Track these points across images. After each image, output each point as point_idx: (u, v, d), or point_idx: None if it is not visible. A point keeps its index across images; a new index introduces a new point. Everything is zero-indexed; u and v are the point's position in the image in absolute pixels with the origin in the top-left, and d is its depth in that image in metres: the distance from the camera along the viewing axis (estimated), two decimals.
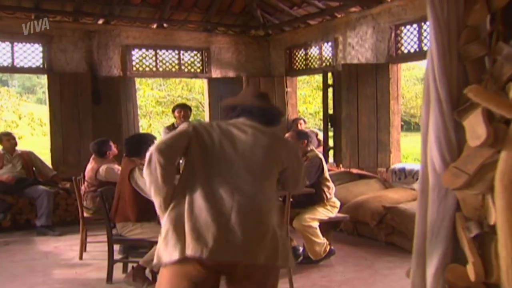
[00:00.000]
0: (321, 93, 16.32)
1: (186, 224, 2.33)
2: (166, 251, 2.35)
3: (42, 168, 7.20)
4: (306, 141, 5.26)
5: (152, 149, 2.49)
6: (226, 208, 2.34)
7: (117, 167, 5.52)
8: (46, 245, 6.19)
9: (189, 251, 2.25)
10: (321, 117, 16.44)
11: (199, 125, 2.56)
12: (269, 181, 2.51)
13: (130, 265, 4.81)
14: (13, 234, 6.68)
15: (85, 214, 5.64)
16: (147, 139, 4.77)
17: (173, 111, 7.12)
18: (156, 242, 4.35)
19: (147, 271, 4.49)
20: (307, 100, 15.24)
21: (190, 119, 7.35)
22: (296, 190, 3.50)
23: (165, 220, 2.46)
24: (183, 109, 6.97)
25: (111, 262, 4.70)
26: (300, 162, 2.74)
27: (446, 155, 1.82)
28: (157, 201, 2.53)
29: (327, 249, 5.16)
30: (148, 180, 2.49)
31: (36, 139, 14.42)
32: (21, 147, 7.44)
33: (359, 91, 6.87)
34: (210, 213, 2.31)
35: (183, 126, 2.56)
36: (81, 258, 5.55)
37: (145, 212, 4.56)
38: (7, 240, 6.43)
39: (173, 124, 7.04)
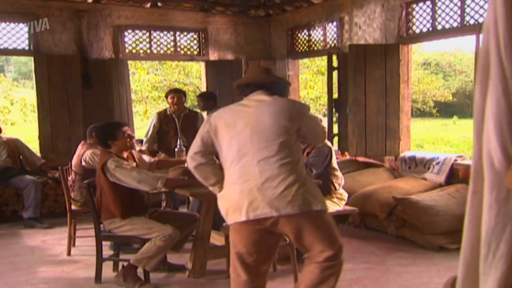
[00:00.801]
0: (322, 78, 16.27)
1: (229, 197, 2.89)
2: (224, 215, 2.95)
3: (29, 156, 6.81)
4: None
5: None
6: (253, 176, 2.80)
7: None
8: (33, 239, 5.87)
9: (237, 218, 2.84)
10: (323, 102, 16.40)
11: (214, 117, 3.02)
12: (284, 142, 2.84)
13: (121, 264, 4.41)
14: None
15: (73, 207, 5.28)
16: (104, 131, 4.36)
17: (166, 97, 6.62)
18: (148, 240, 4.03)
19: (139, 270, 4.15)
20: (308, 84, 14.89)
21: (187, 105, 6.90)
22: (318, 142, 3.78)
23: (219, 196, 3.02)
24: (176, 95, 6.47)
25: (100, 260, 4.36)
26: (310, 118, 3.11)
27: (510, 148, 1.41)
28: (209, 187, 3.13)
29: None
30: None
31: (29, 126, 14.10)
32: (13, 133, 7.05)
33: (367, 74, 6.44)
34: (242, 185, 2.82)
35: (202, 128, 3.04)
36: (69, 254, 5.21)
37: (130, 207, 4.21)
38: None
39: (165, 110, 6.55)
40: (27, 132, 12.70)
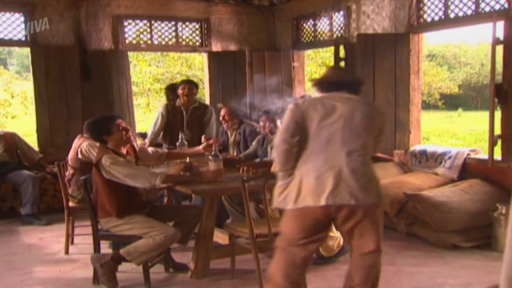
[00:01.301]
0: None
1: (306, 182, 3.05)
2: (291, 199, 3.10)
3: (27, 151, 6.62)
4: None
5: (276, 140, 3.25)
6: (339, 165, 3.02)
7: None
8: (31, 236, 5.70)
9: (312, 202, 3.03)
10: None
11: (302, 105, 3.15)
12: (367, 139, 3.13)
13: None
14: None
15: (70, 203, 5.10)
16: (98, 125, 4.16)
17: (177, 87, 6.38)
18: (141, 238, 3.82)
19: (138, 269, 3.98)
20: (312, 77, 14.64)
21: (196, 97, 6.65)
22: (377, 151, 3.65)
23: (290, 179, 3.13)
24: (187, 86, 6.22)
25: None
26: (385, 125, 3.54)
27: None
28: (280, 172, 3.19)
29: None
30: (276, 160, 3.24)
31: (30, 119, 13.89)
32: (14, 126, 6.88)
33: (376, 64, 6.20)
34: (326, 171, 3.02)
35: (291, 114, 3.14)
36: (67, 252, 5.06)
37: (127, 205, 4.01)
38: None
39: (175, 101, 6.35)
40: (28, 125, 12.51)
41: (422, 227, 5.21)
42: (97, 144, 4.83)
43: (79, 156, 4.96)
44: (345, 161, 3.03)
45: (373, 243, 3.13)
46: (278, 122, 5.32)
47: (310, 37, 7.98)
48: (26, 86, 15.83)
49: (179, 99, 6.23)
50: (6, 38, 6.86)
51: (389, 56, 6.14)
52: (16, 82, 15.33)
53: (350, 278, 3.26)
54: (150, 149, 4.69)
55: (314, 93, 3.47)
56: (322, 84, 3.31)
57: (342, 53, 6.91)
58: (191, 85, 6.29)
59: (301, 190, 3.07)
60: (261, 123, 5.26)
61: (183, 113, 6.19)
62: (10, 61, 31.34)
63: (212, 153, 4.43)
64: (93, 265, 4.06)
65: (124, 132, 4.10)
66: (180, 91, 6.19)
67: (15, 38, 6.92)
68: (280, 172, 3.20)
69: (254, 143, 5.50)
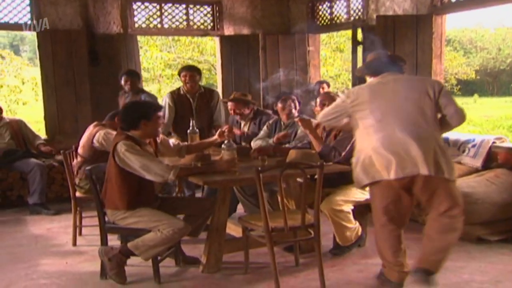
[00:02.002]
0: (341, 55, 15.81)
1: (375, 159, 3.38)
2: (367, 176, 3.45)
3: (32, 138, 6.47)
4: None
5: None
6: (401, 141, 3.31)
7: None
8: (38, 227, 5.57)
9: (385, 176, 3.36)
10: (342, 80, 15.98)
11: (354, 92, 3.55)
12: (424, 113, 3.39)
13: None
14: (3, 213, 6.12)
15: (77, 194, 4.92)
16: (141, 109, 3.90)
17: (178, 74, 6.13)
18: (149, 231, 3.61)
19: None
20: (327, 62, 14.41)
21: (202, 83, 6.38)
22: (460, 118, 3.53)
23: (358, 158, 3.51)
24: (188, 73, 5.91)
25: None
26: (445, 89, 3.51)
27: None
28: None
29: (359, 232, 4.37)
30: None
31: (40, 105, 13.81)
32: (25, 113, 6.73)
33: (396, 48, 5.93)
34: (391, 148, 3.32)
35: (340, 100, 3.60)
36: (74, 244, 4.90)
37: (138, 199, 3.81)
38: None
39: (179, 89, 6.04)
40: (38, 112, 12.42)
41: None
42: (114, 132, 4.66)
43: (95, 144, 4.77)
44: (405, 137, 3.32)
45: (448, 204, 3.39)
46: (294, 107, 5.10)
47: (326, 20, 7.77)
48: (37, 72, 15.76)
49: (183, 87, 5.97)
50: (11, 22, 6.68)
51: (410, 39, 5.90)
52: (26, 68, 15.21)
53: (425, 238, 3.55)
54: (171, 142, 4.44)
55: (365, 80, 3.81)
56: (370, 68, 3.66)
57: (359, 36, 6.66)
58: (192, 71, 5.96)
59: (373, 166, 3.41)
60: (279, 107, 5.03)
61: (190, 101, 5.94)
62: (23, 47, 31.47)
63: (226, 141, 4.22)
64: (101, 258, 3.90)
65: (158, 126, 3.93)
66: (182, 79, 5.94)
67: (21, 22, 6.74)
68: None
69: (264, 127, 5.26)
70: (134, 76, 6.45)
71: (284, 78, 7.83)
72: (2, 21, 6.65)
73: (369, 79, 3.70)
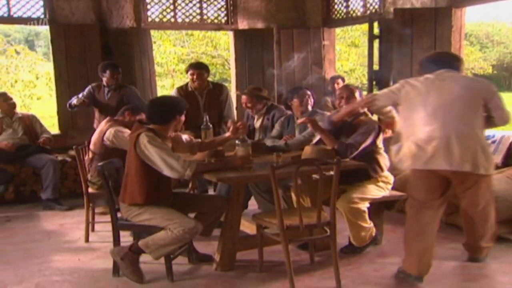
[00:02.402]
0: (356, 50, 15.68)
1: (421, 148, 3.61)
2: (409, 163, 3.69)
3: (40, 133, 6.38)
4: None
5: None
6: (443, 135, 3.55)
7: (129, 132, 4.67)
8: (51, 222, 5.55)
9: (420, 165, 3.63)
10: (356, 75, 15.84)
11: (407, 83, 3.77)
12: (472, 113, 3.62)
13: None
14: (17, 208, 6.12)
15: (90, 189, 4.87)
16: (176, 105, 3.89)
17: (186, 71, 6.04)
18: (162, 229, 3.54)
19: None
20: (342, 56, 14.28)
21: (216, 78, 6.26)
22: (504, 122, 3.79)
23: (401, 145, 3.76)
24: (196, 71, 5.81)
25: None
26: (497, 94, 3.71)
27: None
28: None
29: (373, 233, 4.29)
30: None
31: (54, 100, 13.85)
32: (39, 108, 6.70)
33: (414, 42, 5.82)
34: (435, 141, 3.56)
35: (396, 86, 3.83)
36: (87, 240, 4.86)
37: (155, 194, 3.75)
38: (9, 215, 5.87)
39: (186, 85, 5.96)
40: (52, 106, 12.46)
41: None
42: (125, 130, 4.61)
43: (105, 142, 4.73)
44: (453, 132, 3.55)
45: (482, 203, 3.83)
46: (309, 102, 4.97)
47: (342, 14, 7.68)
48: (51, 67, 15.80)
49: (190, 83, 5.88)
50: (25, 16, 6.65)
51: (428, 32, 5.78)
52: (40, 63, 15.26)
53: (467, 227, 4.03)
54: (184, 138, 4.37)
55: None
56: (427, 64, 3.86)
57: (376, 30, 6.55)
58: (200, 70, 5.85)
59: (416, 155, 3.64)
60: (295, 103, 4.90)
61: (198, 97, 5.84)
62: (38, 42, 31.63)
63: (241, 137, 4.14)
64: (114, 259, 3.86)
65: (182, 120, 3.93)
66: (189, 76, 5.85)
67: (34, 16, 6.72)
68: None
69: (277, 125, 5.13)
70: (119, 69, 6.13)
71: (299, 73, 7.74)
72: (16, 15, 6.63)
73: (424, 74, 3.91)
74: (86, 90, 6.08)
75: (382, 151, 4.39)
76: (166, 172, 3.64)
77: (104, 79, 6.08)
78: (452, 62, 3.82)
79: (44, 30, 21.51)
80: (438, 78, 3.70)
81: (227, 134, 4.32)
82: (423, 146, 3.61)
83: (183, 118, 3.90)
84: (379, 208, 4.47)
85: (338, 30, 13.27)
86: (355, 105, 4.24)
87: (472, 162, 3.55)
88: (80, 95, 5.95)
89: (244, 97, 5.42)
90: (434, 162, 3.58)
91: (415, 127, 3.68)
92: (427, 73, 3.79)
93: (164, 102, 3.95)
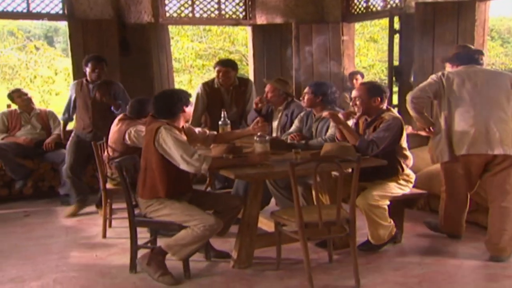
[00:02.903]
0: (375, 45, 15.50)
1: (463, 135, 4.04)
2: (452, 149, 4.13)
3: (53, 129, 6.36)
4: (379, 98, 4.19)
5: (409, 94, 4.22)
6: (482, 122, 3.98)
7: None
8: (69, 218, 5.56)
9: (463, 151, 4.07)
10: (375, 71, 15.68)
11: (449, 75, 4.15)
12: (506, 100, 4.06)
13: None
14: (35, 203, 6.14)
15: (108, 185, 4.86)
16: (181, 96, 3.84)
17: (214, 68, 5.97)
18: (186, 227, 3.51)
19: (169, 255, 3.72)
20: (361, 52, 14.11)
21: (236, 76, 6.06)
22: None
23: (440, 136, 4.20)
24: (223, 69, 5.70)
25: (134, 248, 3.92)
26: None
27: None
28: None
29: (393, 232, 4.20)
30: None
31: None
32: (58, 103, 6.69)
33: (436, 37, 5.68)
34: (472, 127, 4.00)
35: (434, 79, 4.20)
36: (104, 236, 4.86)
37: (175, 188, 3.74)
38: (27, 210, 5.90)
39: (213, 81, 5.89)
40: None
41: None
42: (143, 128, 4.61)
43: (127, 142, 4.70)
44: (487, 119, 3.99)
45: (510, 190, 4.07)
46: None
47: (362, 8, 7.54)
48: (69, 63, 15.88)
49: (216, 80, 5.80)
50: (43, 11, 6.65)
51: (451, 27, 5.64)
52: (59, 59, 15.35)
53: (491, 224, 4.16)
54: (197, 130, 4.33)
55: (448, 68, 4.39)
56: (459, 58, 4.29)
57: (396, 25, 6.43)
58: (226, 67, 5.73)
59: (458, 142, 4.06)
60: (306, 96, 4.79)
61: (223, 95, 5.77)
62: (57, 38, 31.81)
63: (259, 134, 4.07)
64: (142, 268, 3.81)
65: (189, 112, 3.93)
66: (216, 73, 5.78)
67: (52, 11, 6.71)
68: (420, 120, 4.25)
69: (296, 121, 5.04)
70: (104, 63, 5.73)
71: (317, 69, 7.65)
72: (35, 11, 6.63)
73: (450, 68, 4.37)
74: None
75: (405, 151, 4.28)
76: (183, 166, 3.61)
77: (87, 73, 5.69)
78: (477, 56, 4.28)
79: (63, 26, 21.62)
80: (471, 71, 4.15)
81: (247, 129, 4.27)
82: (464, 133, 4.02)
83: (190, 108, 3.87)
84: (399, 206, 4.39)
85: (357, 25, 13.15)
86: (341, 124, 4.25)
87: (510, 145, 3.98)
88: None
89: (269, 86, 5.31)
90: (476, 147, 3.99)
91: (455, 116, 4.08)
92: (454, 67, 4.28)
93: (168, 95, 3.90)
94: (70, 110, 5.88)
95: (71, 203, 5.79)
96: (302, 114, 5.02)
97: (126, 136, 4.70)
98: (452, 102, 4.11)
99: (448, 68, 4.43)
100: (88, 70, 5.65)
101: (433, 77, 4.24)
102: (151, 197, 3.76)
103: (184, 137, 3.81)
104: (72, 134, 5.82)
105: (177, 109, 3.78)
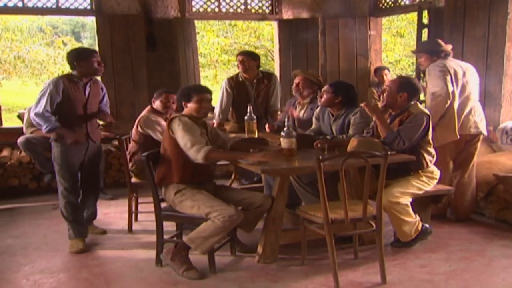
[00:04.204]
0: (401, 40, 15.27)
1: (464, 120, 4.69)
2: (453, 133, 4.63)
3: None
4: (407, 95, 4.11)
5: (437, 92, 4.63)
6: (475, 109, 4.75)
7: (157, 119, 4.76)
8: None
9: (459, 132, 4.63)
10: (401, 66, 15.45)
11: (449, 66, 4.63)
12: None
13: None
14: None
15: (133, 179, 4.88)
16: (183, 92, 3.97)
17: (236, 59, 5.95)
18: (205, 220, 3.65)
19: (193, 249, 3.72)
20: (387, 47, 13.93)
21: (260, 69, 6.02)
22: None
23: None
24: (243, 57, 5.67)
25: (160, 241, 3.94)
26: None
27: None
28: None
29: (419, 227, 4.12)
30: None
31: None
32: None
33: (466, 31, 5.55)
34: (469, 114, 4.71)
35: (442, 73, 4.61)
36: (130, 230, 4.88)
37: (192, 174, 3.83)
38: (55, 203, 5.82)
39: (237, 75, 5.85)
40: None
41: None
42: (154, 116, 4.64)
43: (139, 129, 4.76)
44: (477, 106, 4.72)
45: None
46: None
47: (390, 2, 7.41)
48: None
49: (240, 73, 5.77)
50: (72, 7, 6.73)
51: (482, 21, 5.48)
52: None
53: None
54: (220, 133, 4.30)
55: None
56: (444, 51, 4.73)
57: (426, 19, 6.31)
58: (246, 56, 5.71)
59: (464, 126, 4.66)
60: (324, 95, 4.70)
61: (248, 88, 5.75)
62: (84, 34, 32.10)
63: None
64: (167, 263, 3.84)
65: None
66: (237, 62, 5.76)
67: (81, 7, 6.79)
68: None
69: (313, 120, 4.97)
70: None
71: (343, 64, 7.57)
72: (64, 6, 6.72)
73: (439, 60, 4.69)
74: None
75: (430, 147, 4.19)
76: (187, 152, 3.71)
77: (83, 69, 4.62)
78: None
79: (90, 21, 21.85)
80: (460, 63, 4.73)
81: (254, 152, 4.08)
82: (465, 118, 4.65)
83: (203, 97, 3.89)
84: (425, 202, 4.32)
85: (383, 20, 12.98)
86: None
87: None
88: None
89: (299, 77, 5.24)
90: (464, 129, 4.68)
91: (467, 102, 4.65)
92: (442, 60, 4.69)
93: (181, 88, 4.09)
94: None
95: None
96: (317, 110, 4.94)
97: (138, 123, 4.78)
98: (460, 89, 4.65)
99: (423, 60, 4.80)
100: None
101: (443, 72, 4.58)
102: (166, 184, 3.83)
103: (199, 128, 3.84)
104: None
105: (187, 97, 3.90)
